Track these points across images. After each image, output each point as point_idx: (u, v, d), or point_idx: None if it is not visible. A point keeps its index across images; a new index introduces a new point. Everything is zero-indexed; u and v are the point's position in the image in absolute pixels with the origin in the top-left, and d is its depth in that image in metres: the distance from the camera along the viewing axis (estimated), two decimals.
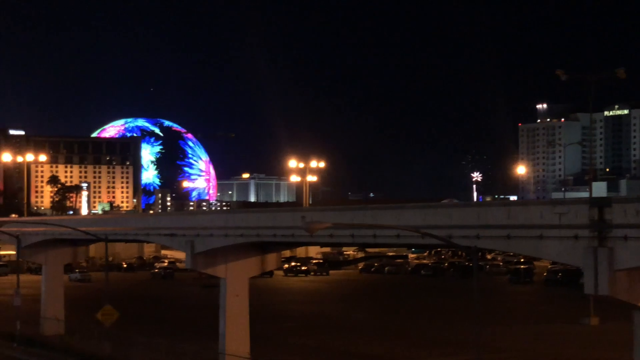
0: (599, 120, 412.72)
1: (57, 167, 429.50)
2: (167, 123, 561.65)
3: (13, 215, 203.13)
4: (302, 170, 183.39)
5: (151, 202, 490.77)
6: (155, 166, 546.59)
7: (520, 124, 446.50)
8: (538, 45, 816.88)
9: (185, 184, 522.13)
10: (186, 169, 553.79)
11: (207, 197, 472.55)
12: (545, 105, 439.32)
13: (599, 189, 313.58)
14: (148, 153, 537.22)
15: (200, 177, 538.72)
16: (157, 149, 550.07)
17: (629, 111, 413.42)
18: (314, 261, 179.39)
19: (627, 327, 40.25)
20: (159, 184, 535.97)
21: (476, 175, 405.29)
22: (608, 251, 35.14)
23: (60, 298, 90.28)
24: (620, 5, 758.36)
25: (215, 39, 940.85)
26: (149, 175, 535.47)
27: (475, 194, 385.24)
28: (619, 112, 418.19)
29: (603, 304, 67.06)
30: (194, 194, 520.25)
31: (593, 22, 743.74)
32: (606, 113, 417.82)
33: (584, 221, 36.27)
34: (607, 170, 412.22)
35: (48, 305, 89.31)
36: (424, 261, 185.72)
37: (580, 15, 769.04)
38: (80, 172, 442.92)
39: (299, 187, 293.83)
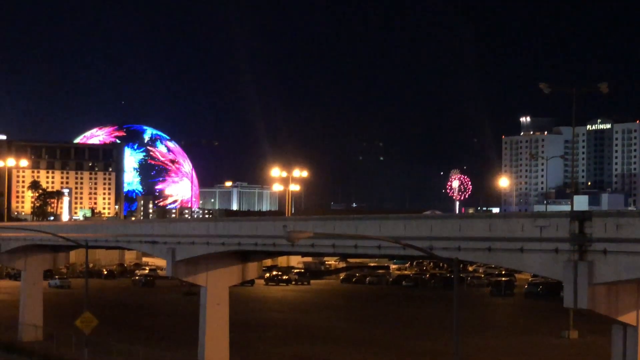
0: (581, 134, 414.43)
1: (38, 172, 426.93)
2: (150, 130, 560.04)
3: None
4: (285, 179, 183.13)
5: (133, 208, 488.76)
6: (138, 173, 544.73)
7: (503, 137, 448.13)
8: (522, 59, 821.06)
9: (168, 191, 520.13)
10: (169, 176, 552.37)
11: (189, 205, 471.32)
12: (528, 118, 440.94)
13: (581, 202, 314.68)
14: (131, 160, 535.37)
15: (183, 185, 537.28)
16: (141, 155, 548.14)
17: (612, 125, 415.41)
18: (295, 270, 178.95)
19: (606, 340, 40.38)
20: (142, 190, 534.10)
21: (458, 187, 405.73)
22: (588, 265, 35.22)
23: (39, 304, 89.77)
24: (604, 22, 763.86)
25: (201, 46, 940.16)
26: (132, 181, 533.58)
27: (457, 206, 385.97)
28: (601, 127, 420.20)
29: (583, 317, 67.29)
30: (176, 201, 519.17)
31: (577, 37, 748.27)
32: (589, 127, 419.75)
33: (565, 235, 36.34)
34: (589, 184, 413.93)
35: (27, 312, 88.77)
36: (406, 272, 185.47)
37: (565, 30, 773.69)
38: (62, 177, 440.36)
39: (281, 196, 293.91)
